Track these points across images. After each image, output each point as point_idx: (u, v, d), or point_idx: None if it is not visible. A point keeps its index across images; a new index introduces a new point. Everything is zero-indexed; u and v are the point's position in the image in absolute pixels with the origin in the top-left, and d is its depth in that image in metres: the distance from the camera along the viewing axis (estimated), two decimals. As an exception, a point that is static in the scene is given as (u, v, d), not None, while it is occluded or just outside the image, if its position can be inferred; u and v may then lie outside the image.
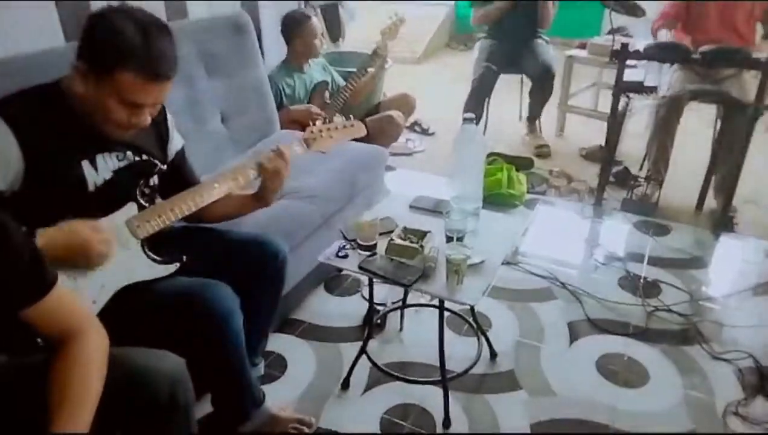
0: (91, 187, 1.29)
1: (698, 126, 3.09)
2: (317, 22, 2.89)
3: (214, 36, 2.30)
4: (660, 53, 2.63)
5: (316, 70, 2.97)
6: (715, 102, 2.85)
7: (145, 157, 1.39)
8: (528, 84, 3.63)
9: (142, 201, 1.36)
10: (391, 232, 1.62)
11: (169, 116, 1.47)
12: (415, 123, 4.01)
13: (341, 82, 3.00)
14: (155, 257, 1.35)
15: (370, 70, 3.00)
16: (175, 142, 1.49)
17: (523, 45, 3.48)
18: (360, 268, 1.51)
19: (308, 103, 2.86)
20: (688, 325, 2.08)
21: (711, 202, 2.85)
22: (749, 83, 2.70)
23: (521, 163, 3.33)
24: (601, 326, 2.08)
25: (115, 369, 1.00)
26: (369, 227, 1.56)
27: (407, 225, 1.67)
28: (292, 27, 2.81)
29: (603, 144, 3.01)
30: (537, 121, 3.70)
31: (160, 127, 1.44)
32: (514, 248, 2.51)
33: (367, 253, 1.55)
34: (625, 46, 2.63)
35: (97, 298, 1.26)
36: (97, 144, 1.29)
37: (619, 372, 1.87)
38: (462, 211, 1.60)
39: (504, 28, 3.47)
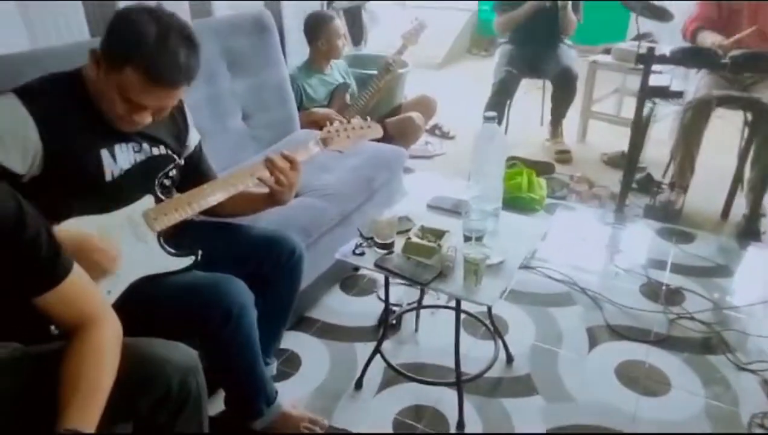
0: (108, 177, 1.29)
1: (725, 132, 3.02)
2: (340, 23, 2.90)
3: (237, 34, 2.32)
4: (687, 58, 2.58)
5: (337, 73, 2.98)
6: (744, 108, 2.78)
7: (163, 150, 1.40)
8: (550, 89, 3.59)
9: (159, 194, 1.37)
10: (409, 230, 1.61)
11: (187, 111, 1.48)
12: (436, 126, 3.99)
13: (356, 89, 2.99)
14: (171, 250, 1.35)
15: (390, 73, 3.00)
16: (193, 137, 1.50)
17: (545, 51, 3.44)
18: (376, 265, 1.50)
19: (328, 104, 2.87)
20: (712, 333, 2.02)
21: (737, 210, 2.78)
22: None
23: (542, 168, 3.29)
24: (621, 333, 2.03)
25: (128, 358, 1.00)
26: (387, 225, 1.55)
27: (425, 224, 1.65)
28: (316, 27, 2.82)
29: (625, 150, 2.96)
30: (559, 127, 3.66)
31: (178, 121, 1.45)
32: (534, 251, 2.47)
33: (384, 251, 1.54)
34: (651, 50, 2.58)
35: (113, 289, 1.27)
36: (115, 134, 1.30)
37: (640, 379, 1.83)
38: (481, 211, 1.58)
39: (526, 34, 3.44)
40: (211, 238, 1.49)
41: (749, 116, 2.78)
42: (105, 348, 0.97)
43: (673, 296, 2.22)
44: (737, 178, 2.78)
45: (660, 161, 3.10)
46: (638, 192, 3.04)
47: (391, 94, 3.25)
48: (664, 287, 2.27)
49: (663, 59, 2.58)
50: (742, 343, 1.98)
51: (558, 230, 2.75)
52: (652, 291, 2.26)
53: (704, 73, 2.84)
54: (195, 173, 1.49)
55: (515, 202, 2.85)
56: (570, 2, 3.22)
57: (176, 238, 1.39)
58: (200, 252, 1.39)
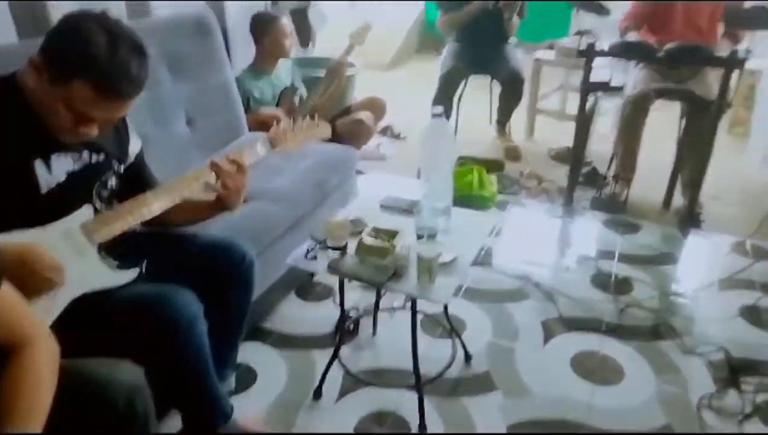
0: (43, 189, 1.22)
1: (664, 125, 3.14)
2: (287, 22, 2.85)
3: (177, 35, 2.24)
4: (625, 51, 2.67)
5: (284, 74, 2.93)
6: (680, 100, 2.89)
7: (102, 158, 1.33)
8: (497, 87, 3.64)
9: (98, 204, 1.30)
10: (362, 232, 1.58)
11: (126, 117, 1.41)
12: (387, 127, 3.99)
13: (304, 92, 2.96)
14: (113, 263, 1.28)
15: (339, 77, 2.99)
16: (134, 144, 1.43)
17: (491, 49, 3.49)
18: (330, 269, 1.47)
19: (276, 106, 2.82)
20: (660, 320, 2.09)
21: (678, 199, 2.89)
22: (712, 81, 2.75)
23: (492, 166, 3.34)
24: (574, 324, 2.07)
25: (68, 380, 0.94)
26: (339, 227, 1.52)
27: (378, 225, 1.63)
28: (262, 26, 2.77)
29: (571, 145, 3.03)
30: (507, 124, 3.72)
31: (118, 127, 1.38)
32: (486, 247, 2.50)
33: (337, 254, 1.51)
34: (591, 45, 2.65)
35: (50, 309, 1.19)
36: (51, 143, 1.22)
37: (594, 370, 1.87)
38: (432, 209, 1.58)
39: (471, 33, 3.48)
40: (156, 249, 1.43)
41: (685, 108, 2.90)
42: (41, 370, 0.92)
43: (622, 286, 2.29)
44: (676, 169, 2.89)
45: (605, 155, 3.19)
46: (585, 185, 3.11)
47: (340, 95, 3.22)
48: (612, 277, 2.33)
49: (602, 53, 2.65)
50: (688, 328, 2.05)
51: (510, 226, 2.79)
52: (602, 281, 2.32)
53: (641, 67, 2.94)
54: (136, 182, 1.42)
55: (467, 200, 2.87)
56: (512, 4, 3.28)
57: (118, 250, 1.32)
58: (144, 264, 1.33)
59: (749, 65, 2.59)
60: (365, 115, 2.95)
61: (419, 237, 1.53)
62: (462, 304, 2.15)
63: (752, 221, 2.63)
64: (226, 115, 2.40)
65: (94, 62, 1.09)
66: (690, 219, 2.76)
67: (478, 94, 3.81)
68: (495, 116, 3.77)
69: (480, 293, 2.23)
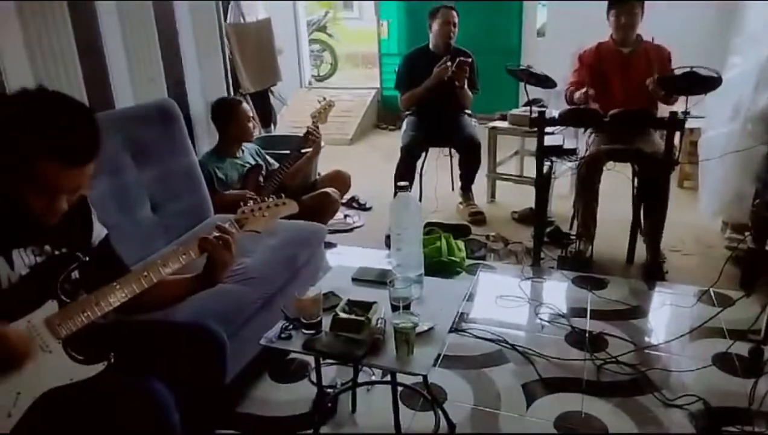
0: (5, 285, 1.18)
1: (620, 182, 3.29)
2: (248, 107, 2.93)
3: (141, 124, 2.28)
4: (574, 118, 2.83)
5: (249, 155, 2.98)
6: (630, 160, 3.05)
7: (65, 249, 1.30)
8: (456, 156, 3.78)
9: (63, 297, 1.26)
10: (336, 306, 1.57)
11: (90, 205, 1.40)
12: (353, 199, 4.05)
13: (275, 164, 3.01)
14: (79, 357, 1.23)
15: (304, 151, 3.06)
16: (98, 232, 1.41)
17: (447, 121, 3.65)
18: (305, 348, 1.44)
19: (242, 186, 2.84)
20: (638, 374, 2.09)
21: (641, 253, 2.98)
22: (658, 140, 2.92)
23: (459, 231, 3.39)
24: (555, 385, 2.06)
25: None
26: (311, 304, 1.51)
27: (351, 298, 1.62)
28: (224, 112, 2.84)
29: (533, 206, 3.13)
30: (469, 190, 3.82)
31: (81, 216, 1.36)
32: (461, 314, 2.50)
33: (312, 331, 1.49)
34: (542, 113, 2.80)
35: (13, 410, 1.12)
36: (10, 239, 1.20)
37: (579, 430, 1.84)
38: (405, 279, 1.59)
39: (429, 108, 3.64)
40: (124, 338, 1.38)
41: (636, 167, 3.05)
42: None
43: (597, 342, 2.30)
44: (635, 224, 2.99)
45: (566, 214, 3.30)
46: (550, 244, 3.19)
47: (308, 171, 3.27)
48: (587, 335, 2.35)
49: (553, 121, 2.80)
50: (665, 381, 2.06)
51: (482, 290, 2.81)
52: (577, 339, 2.33)
53: (591, 131, 3.10)
54: (103, 270, 1.39)
55: (437, 267, 2.89)
56: (466, 80, 3.47)
57: (85, 342, 1.27)
58: (112, 355, 1.28)
59: (689, 124, 2.77)
60: (330, 190, 3.00)
61: (394, 308, 1.52)
62: (441, 373, 2.11)
63: (711, 270, 2.71)
64: (190, 198, 2.41)
65: (52, 135, 1.10)
66: (654, 271, 2.84)
67: (440, 164, 3.93)
68: (457, 183, 3.88)
69: (458, 360, 2.21)
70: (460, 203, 3.84)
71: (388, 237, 2.92)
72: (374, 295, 1.66)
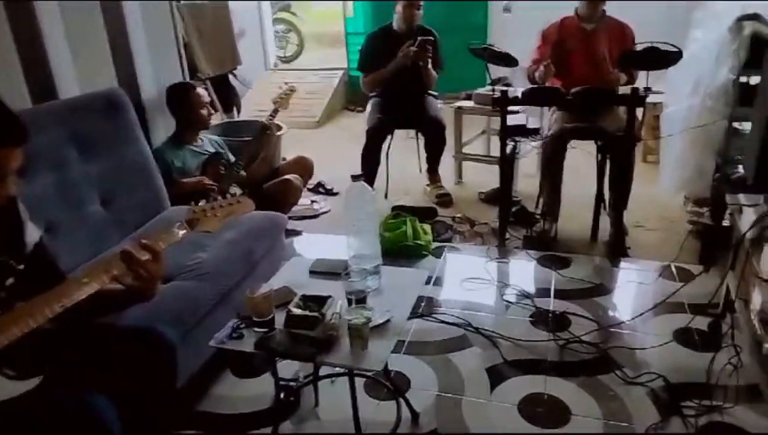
0: None
1: (585, 161, 3.29)
2: (203, 92, 2.83)
3: (86, 115, 2.17)
4: (536, 98, 2.80)
5: (208, 143, 2.89)
6: (593, 138, 3.04)
7: None
8: (423, 138, 3.73)
9: (-5, 308, 1.19)
10: (290, 302, 1.53)
11: (21, 206, 1.32)
12: (319, 184, 3.99)
13: (230, 157, 2.92)
14: (10, 373, 1.16)
15: (267, 136, 2.99)
16: (31, 235, 1.33)
17: (412, 103, 3.59)
18: (257, 347, 1.40)
19: (202, 175, 2.75)
20: (600, 353, 2.11)
21: (604, 230, 2.99)
22: (621, 117, 2.91)
23: (425, 214, 3.37)
24: (519, 367, 2.06)
25: None
26: (263, 302, 1.46)
27: (307, 292, 1.58)
28: (177, 97, 2.73)
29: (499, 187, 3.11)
30: (436, 172, 3.79)
31: (10, 221, 1.28)
32: (428, 299, 2.48)
33: (264, 329, 1.44)
34: (504, 93, 2.77)
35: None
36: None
37: (542, 413, 1.85)
38: (361, 271, 1.55)
39: (392, 89, 3.58)
40: (63, 349, 1.31)
41: (600, 144, 3.05)
42: None
43: (560, 322, 2.31)
44: (598, 201, 3.00)
45: (532, 193, 3.29)
46: (516, 224, 3.18)
47: (270, 159, 3.20)
48: (550, 315, 2.36)
49: (516, 101, 2.77)
50: (627, 358, 2.08)
51: (448, 273, 2.79)
52: (542, 320, 2.34)
53: (554, 109, 3.08)
54: (38, 276, 1.31)
55: (403, 251, 2.88)
56: (429, 60, 3.40)
57: (19, 356, 1.20)
58: (49, 367, 1.22)
59: (651, 99, 2.77)
60: (293, 177, 2.93)
61: (350, 301, 1.49)
62: (405, 360, 2.10)
63: (674, 244, 2.75)
64: (144, 191, 2.32)
65: None
66: (617, 248, 2.86)
67: (406, 146, 3.89)
68: (424, 165, 3.84)
69: (423, 346, 2.19)
70: (428, 185, 3.81)
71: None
72: (332, 287, 1.61)
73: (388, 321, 1.48)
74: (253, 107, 5.57)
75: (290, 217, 3.39)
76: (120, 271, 1.26)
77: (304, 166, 3.14)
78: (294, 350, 1.38)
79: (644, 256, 2.83)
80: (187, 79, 3.23)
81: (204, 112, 2.74)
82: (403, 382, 1.98)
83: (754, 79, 2.81)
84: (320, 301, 1.52)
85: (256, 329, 1.45)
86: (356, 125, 5.56)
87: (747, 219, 1.75)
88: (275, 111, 3.02)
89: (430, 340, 2.24)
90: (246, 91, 5.80)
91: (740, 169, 3.00)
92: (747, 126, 2.99)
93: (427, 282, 2.64)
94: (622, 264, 2.77)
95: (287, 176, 2.92)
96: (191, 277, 1.86)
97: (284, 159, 3.51)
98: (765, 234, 1.57)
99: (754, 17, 2.72)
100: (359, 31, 6.03)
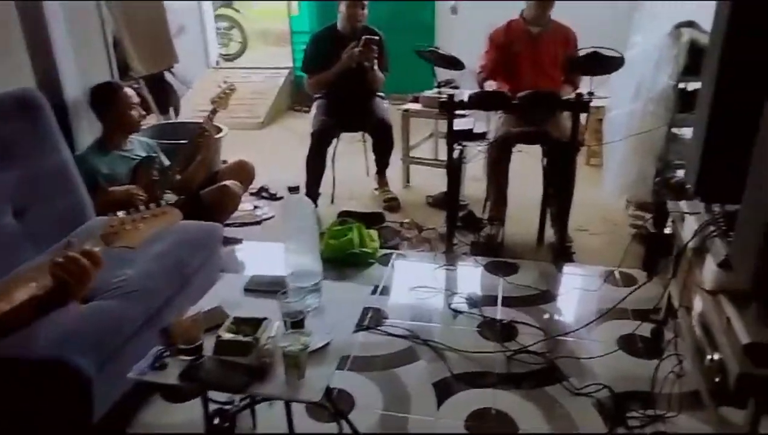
0: None
1: (531, 164, 3.29)
2: (131, 92, 2.63)
3: (-5, 119, 1.97)
4: (483, 102, 2.76)
5: (139, 147, 2.70)
6: (538, 143, 3.04)
7: None
8: (370, 140, 3.65)
9: None
10: (221, 325, 1.41)
11: None
12: (262, 188, 3.84)
13: (165, 161, 2.75)
14: None
15: (202, 141, 2.82)
16: None
17: (359, 105, 3.50)
18: (181, 379, 1.27)
19: (132, 181, 2.56)
20: (547, 363, 2.08)
21: (550, 234, 3.00)
22: (565, 122, 2.92)
23: (372, 219, 3.30)
24: (466, 380, 2.01)
25: None
26: (190, 326, 1.34)
27: (241, 312, 1.47)
28: (103, 99, 2.54)
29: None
30: (384, 176, 3.71)
31: None
32: (375, 310, 2.40)
33: (191, 357, 1.32)
34: (451, 97, 2.72)
35: None
36: None
37: (489, 428, 1.80)
38: (299, 290, 1.45)
39: (338, 92, 3.48)
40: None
41: (545, 149, 3.05)
42: None
43: (508, 331, 2.28)
44: (544, 206, 3.00)
45: (479, 197, 3.27)
46: (463, 229, 3.15)
47: (209, 164, 3.03)
48: (498, 324, 2.32)
49: (462, 105, 2.73)
50: (574, 368, 2.06)
51: (395, 282, 2.72)
52: (489, 329, 2.30)
53: (501, 113, 3.06)
54: None
55: (350, 259, 2.79)
56: (375, 60, 3.32)
57: None
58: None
59: (596, 103, 2.79)
60: (231, 183, 2.78)
61: (286, 325, 1.38)
62: (350, 378, 2.01)
63: (617, 248, 2.77)
64: (63, 200, 2.13)
65: None
66: (562, 253, 2.87)
67: (353, 149, 3.79)
68: (372, 169, 3.76)
69: (368, 362, 2.11)
70: (375, 189, 3.73)
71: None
72: (269, 306, 1.50)
73: (327, 345, 1.39)
74: (193, 107, 5.34)
75: (230, 225, 3.25)
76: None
77: (244, 171, 2.99)
78: (224, 381, 1.26)
79: (589, 260, 2.84)
80: (117, 79, 3.03)
81: (133, 113, 2.55)
82: (347, 402, 1.89)
83: (693, 85, 2.89)
84: (254, 323, 1.40)
85: (183, 357, 1.32)
86: (302, 126, 5.40)
87: (689, 227, 1.75)
88: (214, 111, 2.85)
89: (376, 354, 2.16)
90: (186, 91, 5.57)
91: (679, 173, 3.09)
92: (686, 132, 3.07)
93: (374, 291, 2.57)
94: (568, 269, 2.78)
95: (226, 182, 2.77)
96: (114, 296, 1.71)
97: (225, 161, 3.35)
98: (706, 244, 1.57)
99: (690, 24, 2.78)
100: (305, 30, 5.88)
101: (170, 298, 1.87)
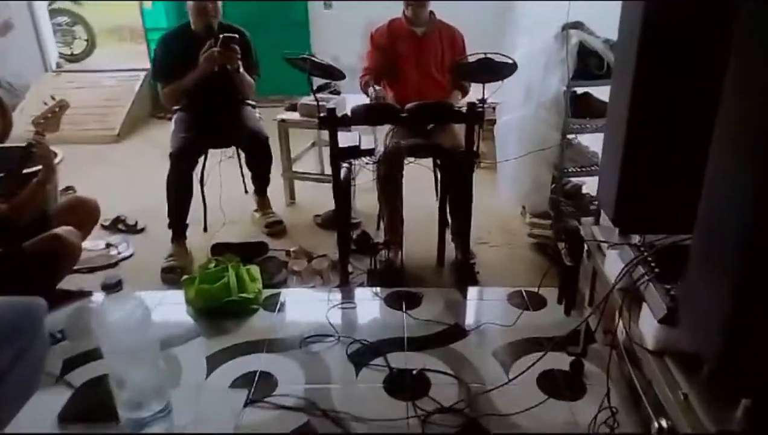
0: None
1: (423, 175, 3.03)
2: None
3: None
4: (369, 116, 2.43)
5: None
6: (430, 155, 2.79)
7: None
8: (243, 155, 3.18)
9: None
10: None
11: None
12: (118, 219, 3.25)
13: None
14: None
15: (28, 172, 2.23)
16: None
17: (226, 116, 3.01)
18: None
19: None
20: (468, 421, 1.81)
21: (451, 251, 2.76)
22: (457, 132, 2.69)
23: (253, 250, 2.88)
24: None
25: None
26: None
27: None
28: None
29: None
30: (265, 195, 3.26)
31: None
32: (257, 376, 2.00)
33: None
34: (332, 111, 2.35)
35: None
36: None
37: None
38: (137, 423, 1.02)
39: (200, 102, 2.97)
40: None
41: (438, 161, 2.80)
42: None
43: (419, 384, 1.97)
44: (442, 222, 2.76)
45: (372, 212, 2.97)
46: (358, 253, 2.83)
47: (40, 201, 2.40)
48: (407, 376, 2.02)
49: (344, 120, 2.37)
50: (499, 425, 1.80)
51: (284, 331, 2.30)
52: (397, 384, 1.98)
53: (390, 126, 2.77)
54: None
55: (227, 308, 2.35)
56: (239, 63, 2.86)
57: None
58: None
59: (488, 114, 2.57)
60: (64, 229, 2.19)
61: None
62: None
63: (518, 261, 2.60)
64: None
65: None
66: (465, 273, 2.64)
67: (225, 166, 3.28)
68: (250, 187, 3.30)
69: (256, 449, 1.71)
70: (255, 211, 3.29)
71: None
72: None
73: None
74: (29, 122, 4.49)
75: (78, 271, 2.66)
76: None
77: (83, 212, 2.40)
78: None
79: (492, 278, 2.64)
80: None
81: None
82: None
83: (581, 89, 2.78)
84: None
85: None
86: (166, 137, 4.72)
87: (612, 262, 1.54)
88: (39, 134, 2.27)
89: (266, 431, 1.76)
90: (18, 101, 4.70)
91: (572, 180, 2.99)
92: (582, 138, 2.97)
93: (260, 349, 2.16)
94: (473, 294, 2.55)
95: (56, 231, 2.17)
96: None
97: (72, 188, 2.73)
98: (641, 291, 1.36)
99: (578, 26, 2.64)
100: (161, 27, 5.20)
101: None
